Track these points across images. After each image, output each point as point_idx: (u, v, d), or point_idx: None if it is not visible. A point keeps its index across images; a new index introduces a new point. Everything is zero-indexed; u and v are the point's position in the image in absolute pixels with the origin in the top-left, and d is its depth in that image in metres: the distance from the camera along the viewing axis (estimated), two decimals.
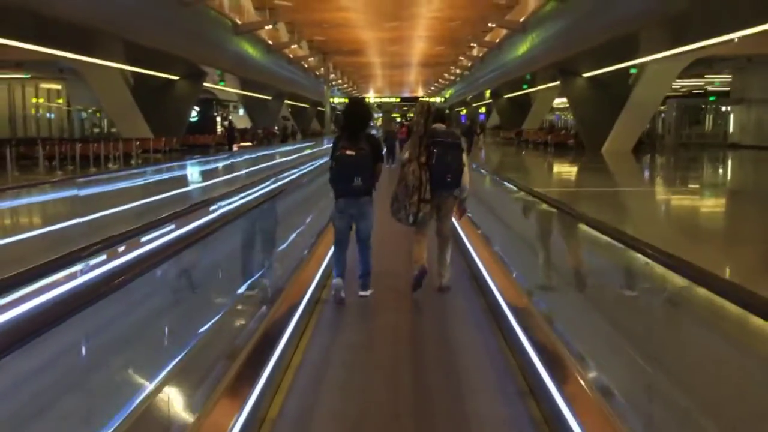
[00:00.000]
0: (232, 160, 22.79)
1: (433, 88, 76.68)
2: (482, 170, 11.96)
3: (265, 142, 41.94)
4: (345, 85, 70.47)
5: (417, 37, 42.24)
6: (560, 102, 50.94)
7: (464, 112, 77.04)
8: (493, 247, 7.43)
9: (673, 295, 3.20)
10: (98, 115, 39.88)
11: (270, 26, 32.25)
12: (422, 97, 76.56)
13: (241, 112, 51.96)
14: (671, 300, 3.27)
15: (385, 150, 12.96)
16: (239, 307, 5.03)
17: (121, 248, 4.05)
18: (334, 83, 61.48)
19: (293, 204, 8.09)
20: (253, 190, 6.99)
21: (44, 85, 35.77)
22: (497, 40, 37.13)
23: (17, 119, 34.79)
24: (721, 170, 25.42)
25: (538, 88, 41.05)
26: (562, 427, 3.35)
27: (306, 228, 8.20)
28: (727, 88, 41.37)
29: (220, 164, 21.29)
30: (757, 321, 2.27)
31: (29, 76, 33.37)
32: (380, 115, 61.88)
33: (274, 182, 8.00)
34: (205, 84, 35.17)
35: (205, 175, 19.14)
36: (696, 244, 9.12)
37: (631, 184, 19.75)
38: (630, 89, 29.52)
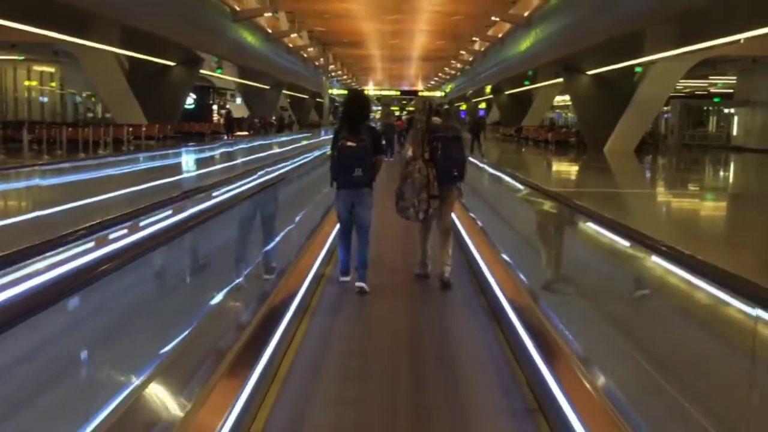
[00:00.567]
0: (227, 149, 22.16)
1: (433, 82, 76.12)
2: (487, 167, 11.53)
3: (261, 131, 41.31)
4: (344, 77, 69.89)
5: (418, 30, 41.66)
6: (561, 100, 50.58)
7: (464, 107, 76.55)
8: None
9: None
10: (93, 99, 39.24)
11: (269, 14, 31.61)
12: (422, 91, 76.01)
13: (239, 100, 51.34)
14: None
15: (384, 143, 12.63)
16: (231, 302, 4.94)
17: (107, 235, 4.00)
18: (333, 74, 60.86)
19: (287, 197, 7.80)
20: (237, 184, 6.52)
21: (37, 68, 35.04)
22: (500, 35, 36.60)
23: (8, 101, 34.09)
24: (731, 174, 24.95)
25: (540, 84, 40.55)
26: None
27: (295, 227, 7.74)
28: (730, 90, 40.96)
29: (214, 153, 20.62)
30: None
31: (23, 57, 32.70)
32: (379, 108, 61.31)
33: (263, 175, 7.45)
34: (202, 71, 34.60)
35: (198, 163, 18.50)
36: (703, 248, 8.63)
37: (635, 185, 19.25)
38: (634, 88, 29.05)
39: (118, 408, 2.80)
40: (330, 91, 55.43)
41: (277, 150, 22.25)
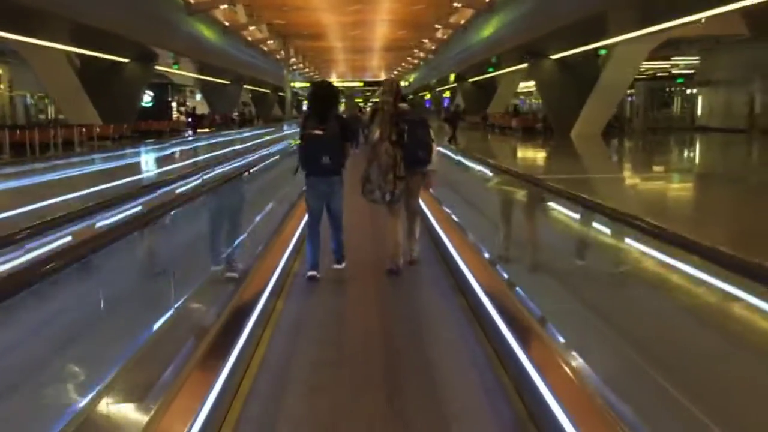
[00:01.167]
0: (179, 148, 21.33)
1: (396, 72, 75.57)
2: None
3: (223, 128, 40.43)
4: (306, 70, 69.05)
5: (380, 20, 41.10)
6: (525, 86, 50.40)
7: (428, 96, 76.19)
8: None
9: None
10: (45, 101, 37.88)
11: (224, 6, 30.70)
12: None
13: (198, 97, 50.23)
14: None
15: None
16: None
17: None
18: (295, 68, 60.01)
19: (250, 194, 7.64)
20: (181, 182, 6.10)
21: None
22: (462, 22, 36.18)
23: None
24: (698, 154, 24.86)
25: (504, 71, 40.20)
26: None
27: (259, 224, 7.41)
28: (692, 71, 41.06)
29: (167, 152, 19.75)
30: None
31: None
32: (343, 100, 60.63)
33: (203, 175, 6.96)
34: (158, 67, 33.55)
35: (156, 162, 17.63)
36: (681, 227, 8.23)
37: (605, 169, 18.89)
38: (599, 71, 28.82)
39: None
40: (292, 84, 54.58)
41: (239, 146, 21.62)
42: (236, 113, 47.70)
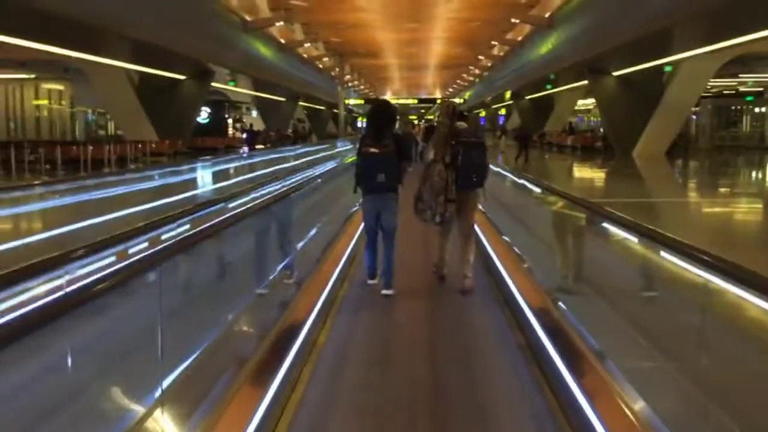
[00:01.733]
0: (233, 164, 21.20)
1: (451, 89, 75.05)
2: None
3: (278, 144, 40.54)
4: (361, 87, 69.09)
5: (435, 38, 40.66)
6: (582, 104, 49.30)
7: (483, 114, 75.43)
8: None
9: None
10: (107, 116, 38.67)
11: (281, 23, 30.74)
12: (440, 98, 74.91)
13: (254, 113, 50.66)
14: None
15: None
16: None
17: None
18: (350, 85, 60.08)
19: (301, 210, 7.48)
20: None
21: (46, 86, 34.47)
22: (519, 38, 35.47)
23: (18, 120, 33.42)
24: None
25: (562, 88, 39.29)
26: None
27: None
28: (761, 89, 39.39)
29: (218, 168, 19.57)
30: None
31: (33, 76, 32.16)
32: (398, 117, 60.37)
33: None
34: (215, 84, 33.85)
35: (203, 178, 17.41)
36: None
37: (678, 194, 17.81)
38: (663, 88, 27.75)
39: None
40: (346, 101, 54.61)
41: (291, 163, 21.43)
42: (291, 130, 47.86)
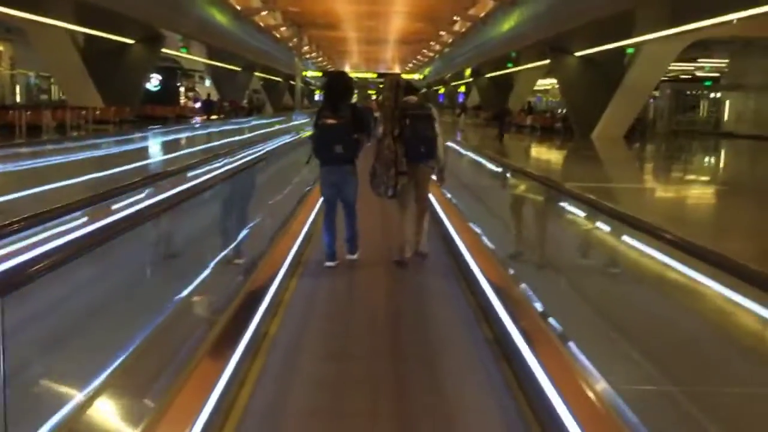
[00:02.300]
0: (182, 135, 20.16)
1: (411, 65, 74.34)
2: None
3: (232, 115, 39.33)
4: (320, 59, 67.87)
5: (396, 12, 39.76)
6: (542, 84, 49.15)
7: (442, 90, 74.96)
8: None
9: None
10: (51, 81, 36.88)
11: None
12: (400, 74, 74.17)
13: (208, 83, 49.15)
14: None
15: None
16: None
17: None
18: (308, 57, 58.85)
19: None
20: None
21: None
22: (482, 15, 34.88)
23: None
24: (743, 164, 23.51)
25: (524, 67, 38.92)
26: None
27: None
28: (717, 74, 39.66)
29: (168, 138, 18.51)
30: None
31: None
32: (356, 91, 59.46)
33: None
34: (166, 51, 32.46)
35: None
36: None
37: (635, 178, 17.52)
38: (624, 71, 27.55)
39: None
40: (304, 73, 53.44)
41: (246, 135, 20.58)
42: (246, 101, 46.58)
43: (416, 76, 69.19)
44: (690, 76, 42.08)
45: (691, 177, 18.58)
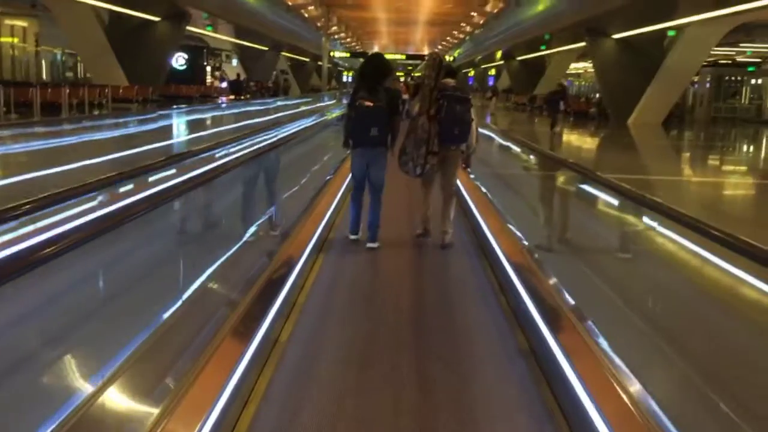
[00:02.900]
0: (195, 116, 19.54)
1: (440, 47, 73.18)
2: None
3: (258, 96, 38.79)
4: (348, 40, 67.04)
5: None
6: (574, 67, 47.90)
7: (472, 73, 73.85)
8: None
9: None
10: (78, 59, 36.59)
11: None
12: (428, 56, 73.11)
13: (235, 62, 48.66)
14: None
15: None
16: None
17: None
18: (336, 37, 58.05)
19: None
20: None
21: (9, 22, 32.19)
22: None
23: None
24: None
25: (557, 49, 37.80)
26: None
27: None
28: (759, 59, 38.18)
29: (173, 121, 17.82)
30: None
31: None
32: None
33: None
34: (194, 29, 31.98)
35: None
36: None
37: (681, 171, 16.43)
38: (664, 54, 26.42)
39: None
40: (332, 53, 52.65)
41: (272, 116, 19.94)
42: (271, 82, 46.05)
43: (446, 58, 68.08)
44: (730, 62, 40.58)
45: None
